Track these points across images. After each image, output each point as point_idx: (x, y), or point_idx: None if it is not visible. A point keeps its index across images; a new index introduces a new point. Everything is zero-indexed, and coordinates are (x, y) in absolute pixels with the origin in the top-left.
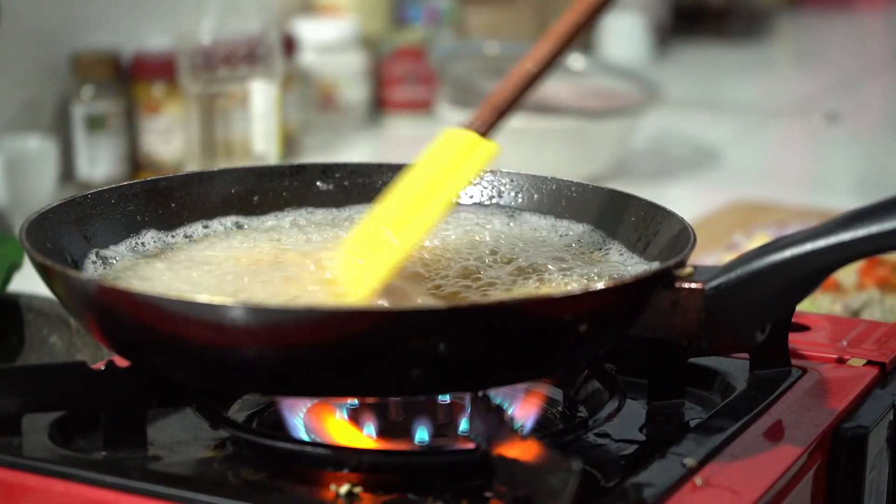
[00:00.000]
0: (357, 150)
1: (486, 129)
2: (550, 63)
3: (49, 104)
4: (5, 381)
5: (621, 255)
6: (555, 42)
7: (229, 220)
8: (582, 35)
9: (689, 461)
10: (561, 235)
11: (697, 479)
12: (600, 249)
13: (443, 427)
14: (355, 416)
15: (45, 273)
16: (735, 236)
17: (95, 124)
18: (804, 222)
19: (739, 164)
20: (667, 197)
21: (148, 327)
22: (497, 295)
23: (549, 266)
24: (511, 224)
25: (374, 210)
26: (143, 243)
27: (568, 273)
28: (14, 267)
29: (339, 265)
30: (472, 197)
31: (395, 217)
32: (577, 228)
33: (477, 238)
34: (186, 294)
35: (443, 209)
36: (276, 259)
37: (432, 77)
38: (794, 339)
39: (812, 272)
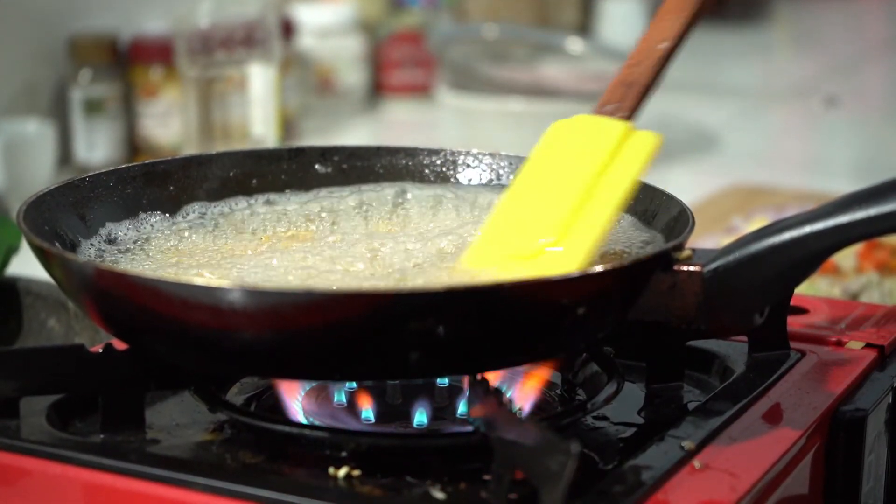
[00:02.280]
0: (355, 134)
1: (632, 115)
2: (683, 38)
3: (47, 88)
4: (3, 364)
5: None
6: (684, 16)
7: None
8: (709, 4)
9: (688, 444)
10: None
11: (696, 462)
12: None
13: (441, 410)
14: (353, 399)
15: (43, 256)
16: (734, 220)
17: (93, 108)
18: (803, 206)
19: (738, 148)
20: (665, 180)
21: (146, 310)
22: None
23: None
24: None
25: (507, 211)
26: (140, 225)
27: None
28: (12, 250)
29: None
30: (470, 180)
31: (554, 221)
32: None
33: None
34: (184, 276)
35: (614, 213)
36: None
37: (431, 61)
38: (793, 322)
39: (810, 255)
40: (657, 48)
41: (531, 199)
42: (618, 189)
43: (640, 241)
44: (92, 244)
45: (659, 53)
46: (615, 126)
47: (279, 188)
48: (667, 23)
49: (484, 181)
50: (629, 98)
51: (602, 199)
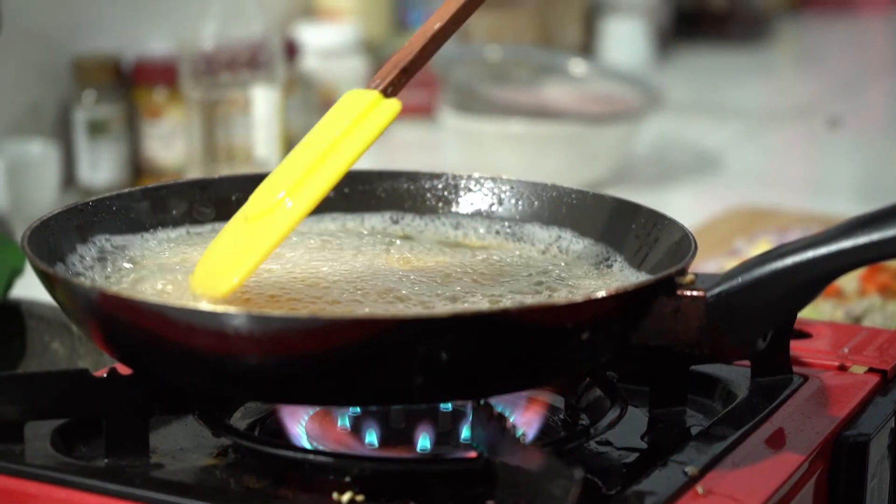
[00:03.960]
0: None
1: (388, 87)
2: (456, 21)
3: (51, 109)
4: (7, 389)
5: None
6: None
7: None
8: None
9: (691, 469)
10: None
11: (699, 488)
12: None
13: (445, 435)
14: (357, 424)
15: (47, 280)
16: (736, 242)
17: (97, 129)
18: (806, 227)
19: (741, 169)
20: (668, 202)
21: (150, 335)
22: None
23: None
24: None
25: (272, 173)
26: (145, 250)
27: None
28: (16, 273)
29: (229, 227)
30: (472, 204)
31: (291, 180)
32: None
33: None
34: (189, 302)
35: (341, 171)
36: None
37: (434, 82)
38: (796, 347)
39: (813, 280)
40: (430, 29)
41: (286, 165)
42: (349, 149)
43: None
44: (96, 268)
45: (429, 33)
46: (365, 96)
47: None
48: (444, 7)
49: (486, 205)
50: (391, 74)
51: (334, 158)
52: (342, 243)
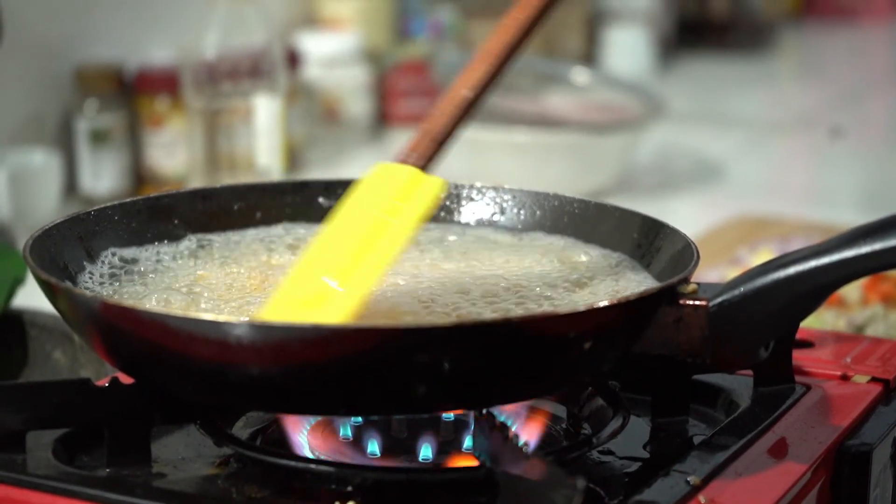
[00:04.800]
0: (361, 164)
1: (426, 162)
2: (487, 87)
3: (52, 118)
4: (9, 398)
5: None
6: (490, 64)
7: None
8: (517, 55)
9: (693, 479)
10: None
11: (701, 497)
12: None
13: (447, 444)
14: (359, 434)
15: (50, 290)
16: (739, 251)
17: (99, 138)
18: (808, 237)
19: (743, 179)
20: (670, 211)
21: (151, 344)
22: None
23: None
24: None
25: (305, 256)
26: (147, 258)
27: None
28: (17, 282)
29: (275, 308)
30: (474, 213)
31: (339, 264)
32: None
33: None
34: (190, 311)
35: (393, 255)
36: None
37: (436, 91)
38: (798, 356)
39: (816, 290)
40: (459, 96)
41: (326, 247)
42: (398, 232)
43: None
44: (97, 277)
45: (459, 101)
46: (403, 172)
47: (283, 221)
48: (472, 72)
49: (488, 215)
50: (423, 145)
51: (383, 242)
52: None
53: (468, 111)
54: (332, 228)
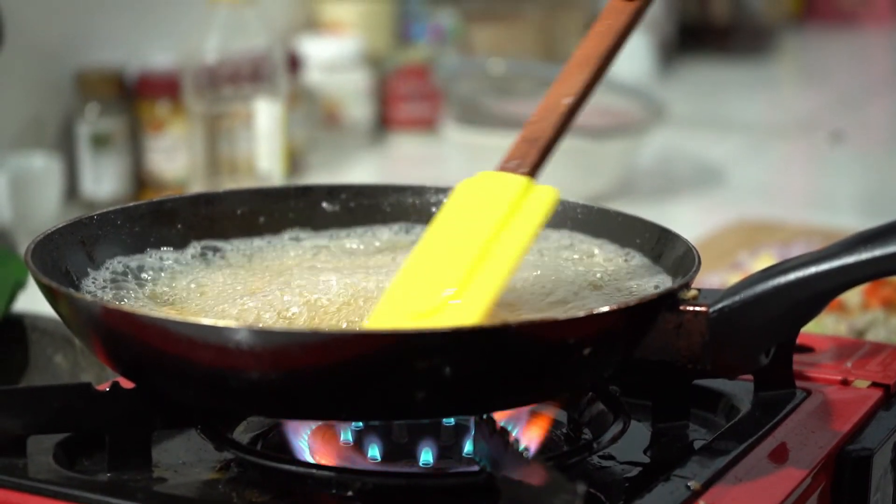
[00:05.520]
0: (362, 169)
1: (534, 170)
2: (587, 94)
3: (53, 122)
4: (10, 403)
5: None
6: (589, 71)
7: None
8: (612, 62)
9: (694, 484)
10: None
11: (702, 502)
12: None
13: (447, 449)
14: (360, 438)
15: (51, 295)
16: (739, 256)
17: (100, 142)
18: (809, 241)
19: (744, 183)
20: (671, 215)
21: (152, 349)
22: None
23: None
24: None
25: (411, 264)
26: (148, 264)
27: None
28: (18, 286)
29: (383, 313)
30: None
31: (455, 276)
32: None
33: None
34: (191, 316)
35: (513, 267)
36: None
37: (437, 95)
38: (799, 361)
39: (816, 296)
40: (561, 104)
41: (434, 256)
42: (516, 243)
43: (651, 286)
44: (98, 282)
45: (562, 109)
46: (515, 182)
47: (286, 226)
48: (570, 79)
49: None
50: (531, 154)
51: (501, 253)
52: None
53: (570, 119)
54: (437, 237)
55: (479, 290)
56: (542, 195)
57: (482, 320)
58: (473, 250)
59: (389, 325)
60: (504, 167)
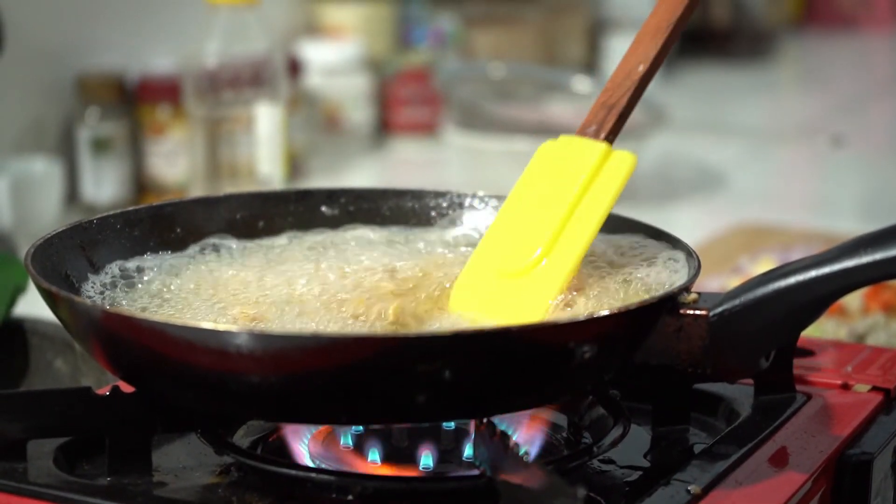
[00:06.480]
0: (362, 172)
1: (611, 136)
2: (659, 62)
3: (54, 126)
4: (10, 407)
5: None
6: (661, 40)
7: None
8: (680, 32)
9: (694, 488)
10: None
11: None
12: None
13: (447, 453)
14: (360, 443)
15: (51, 299)
16: (740, 260)
17: (100, 146)
18: (809, 245)
19: (744, 187)
20: (672, 219)
21: (152, 353)
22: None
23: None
24: None
25: (498, 225)
26: (148, 268)
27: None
28: (18, 290)
29: (472, 273)
30: (476, 222)
31: (541, 238)
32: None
33: None
34: (191, 320)
35: (594, 232)
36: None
37: (437, 99)
38: (799, 365)
39: (816, 300)
40: (636, 71)
41: (520, 219)
42: (598, 207)
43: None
44: (98, 286)
45: (637, 76)
46: (596, 147)
47: (286, 230)
48: (643, 47)
49: (490, 223)
50: (609, 120)
51: (583, 217)
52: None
53: (644, 86)
54: (521, 200)
55: (563, 254)
56: (622, 160)
57: (566, 284)
58: (558, 214)
59: (477, 289)
60: (584, 132)
